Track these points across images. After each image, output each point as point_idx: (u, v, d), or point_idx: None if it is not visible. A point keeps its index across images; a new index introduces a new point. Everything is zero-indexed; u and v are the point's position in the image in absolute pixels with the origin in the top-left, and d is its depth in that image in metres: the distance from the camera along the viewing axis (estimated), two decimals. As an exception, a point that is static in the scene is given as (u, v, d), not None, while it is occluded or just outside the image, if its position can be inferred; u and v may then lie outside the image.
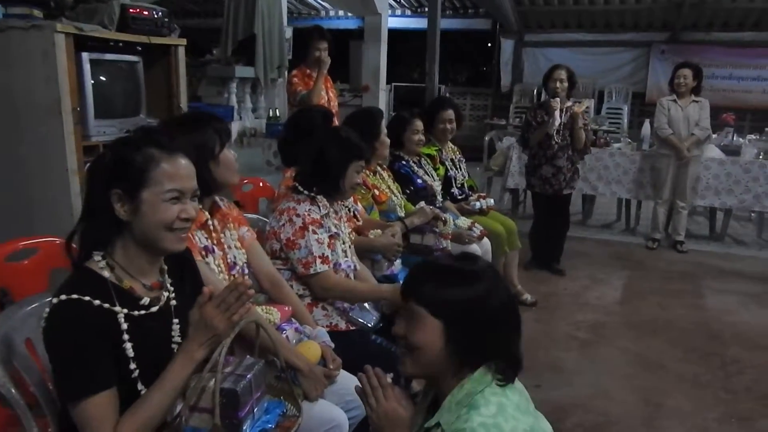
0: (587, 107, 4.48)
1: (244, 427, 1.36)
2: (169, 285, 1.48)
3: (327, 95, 4.68)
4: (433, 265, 1.38)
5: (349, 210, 2.66)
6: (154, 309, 1.41)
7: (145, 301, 1.39)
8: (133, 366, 1.34)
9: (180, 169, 1.39)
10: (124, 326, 1.33)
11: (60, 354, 1.28)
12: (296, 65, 4.65)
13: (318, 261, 2.21)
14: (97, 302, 1.30)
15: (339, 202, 2.48)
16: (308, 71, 4.54)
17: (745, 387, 3.16)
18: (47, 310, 1.30)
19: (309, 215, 2.24)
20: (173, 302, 1.47)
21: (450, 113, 3.96)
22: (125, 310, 1.34)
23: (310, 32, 4.59)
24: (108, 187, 1.34)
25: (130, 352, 1.33)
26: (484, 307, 1.25)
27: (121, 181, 1.34)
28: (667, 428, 2.78)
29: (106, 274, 1.36)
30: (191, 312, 1.39)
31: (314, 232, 2.22)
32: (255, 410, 1.41)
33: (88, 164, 1.48)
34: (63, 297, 1.28)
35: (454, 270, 1.30)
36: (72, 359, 1.27)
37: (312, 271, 2.21)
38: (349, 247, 2.43)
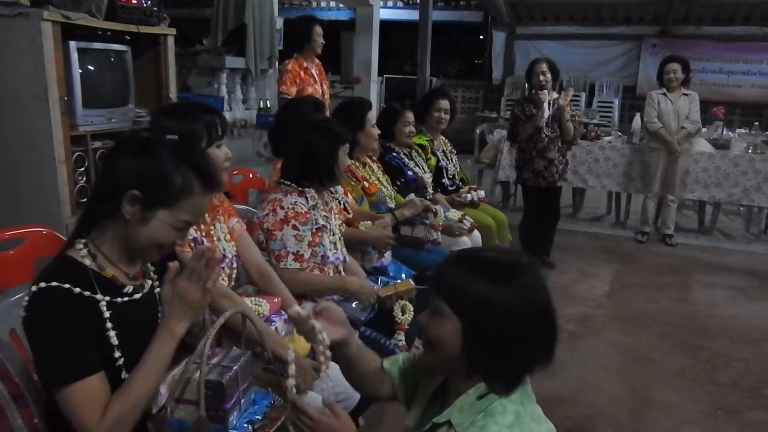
0: (571, 97, 4.46)
1: (230, 419, 1.35)
2: (152, 273, 1.46)
3: (321, 88, 4.69)
4: (465, 256, 1.22)
5: (339, 202, 2.65)
6: (138, 296, 1.39)
7: (128, 289, 1.38)
8: (117, 354, 1.32)
9: (205, 207, 1.38)
10: (107, 314, 1.31)
11: (42, 341, 1.26)
12: (290, 55, 4.65)
13: (290, 257, 2.20)
14: (77, 290, 1.28)
15: (329, 194, 2.47)
16: (304, 63, 4.55)
17: (732, 380, 3.18)
18: (26, 298, 1.28)
19: (293, 209, 2.23)
20: (158, 289, 1.45)
21: (445, 103, 3.97)
22: (107, 298, 1.32)
23: (309, 21, 4.61)
24: (128, 182, 1.30)
25: (114, 340, 1.31)
26: (510, 314, 1.09)
27: (146, 188, 1.30)
28: (654, 421, 2.80)
29: (87, 262, 1.34)
30: (163, 290, 1.37)
31: (294, 228, 2.20)
32: (241, 402, 1.40)
33: (113, 143, 1.43)
34: (42, 285, 1.26)
35: (487, 264, 1.15)
36: (54, 346, 1.25)
37: (282, 265, 2.20)
38: (339, 239, 2.42)
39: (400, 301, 2.37)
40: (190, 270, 1.33)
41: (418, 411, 1.32)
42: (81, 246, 1.35)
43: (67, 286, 1.27)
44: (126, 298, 1.37)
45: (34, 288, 1.27)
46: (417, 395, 1.36)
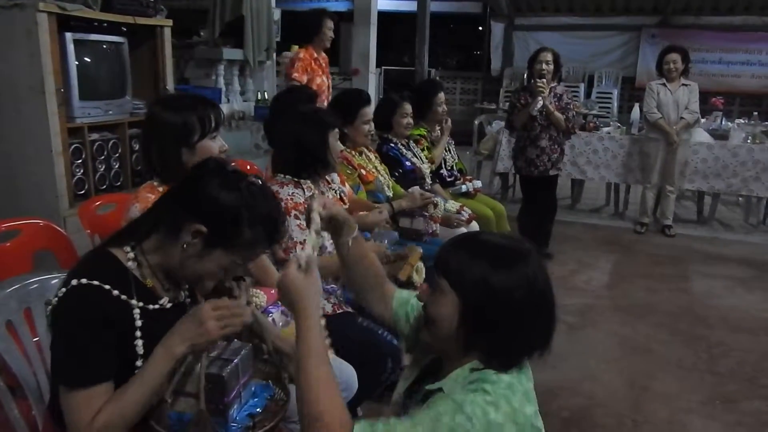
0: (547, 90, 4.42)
1: (231, 412, 1.35)
2: (185, 287, 1.45)
3: (327, 80, 4.77)
4: (469, 238, 1.26)
5: (336, 192, 2.64)
6: (169, 306, 1.37)
7: (164, 301, 1.36)
8: (139, 363, 1.29)
9: (260, 254, 1.36)
10: (138, 323, 1.29)
11: (66, 339, 1.24)
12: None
13: (298, 247, 2.19)
14: (116, 292, 1.26)
15: (325, 184, 2.47)
16: (315, 54, 4.63)
17: (730, 369, 3.19)
18: (63, 289, 1.24)
19: (292, 200, 2.22)
20: (188, 300, 1.44)
21: (443, 95, 4.04)
22: (141, 304, 1.30)
23: (319, 14, 4.76)
24: (199, 213, 1.27)
25: (140, 350, 1.29)
26: (508, 298, 1.13)
27: (215, 228, 1.28)
28: (652, 410, 2.81)
29: (131, 265, 1.32)
30: (193, 309, 1.32)
31: (296, 218, 2.20)
32: (242, 394, 1.40)
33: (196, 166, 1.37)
34: (84, 281, 1.24)
35: (490, 248, 1.19)
36: (77, 347, 1.22)
37: (291, 256, 2.19)
38: (335, 228, 2.41)
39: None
40: (219, 305, 1.29)
41: (406, 382, 1.34)
42: (129, 249, 1.33)
43: (107, 287, 1.25)
44: (158, 306, 1.35)
45: (74, 282, 1.24)
46: (411, 361, 1.38)
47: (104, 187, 3.30)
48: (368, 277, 1.48)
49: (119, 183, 3.40)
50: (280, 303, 1.99)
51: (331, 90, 4.96)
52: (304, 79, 4.53)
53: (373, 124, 3.21)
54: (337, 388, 1.13)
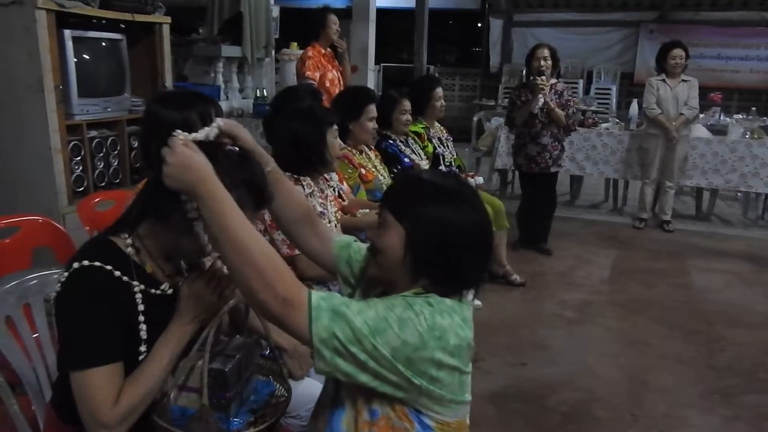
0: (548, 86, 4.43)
1: (233, 407, 1.36)
2: (184, 270, 1.45)
3: (337, 74, 4.80)
4: (414, 178, 1.37)
5: (334, 190, 2.64)
6: (170, 291, 1.37)
7: (165, 286, 1.36)
8: (143, 348, 1.29)
9: (253, 222, 1.35)
10: (141, 307, 1.29)
11: (73, 320, 1.24)
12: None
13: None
14: (117, 273, 1.27)
15: (324, 181, 2.47)
16: (323, 50, 4.69)
17: (728, 364, 3.20)
18: (65, 274, 1.25)
19: None
20: None
21: (440, 90, 4.04)
22: (142, 286, 1.30)
23: (323, 10, 4.82)
24: (177, 192, 1.24)
25: (144, 334, 1.29)
26: (448, 229, 1.23)
27: None
28: (650, 404, 2.82)
29: (130, 251, 1.32)
30: (181, 286, 1.35)
31: None
32: (243, 390, 1.41)
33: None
34: (85, 263, 1.24)
35: (431, 185, 1.29)
36: (86, 325, 1.22)
37: (296, 252, 2.19)
38: (335, 226, 2.42)
39: None
40: (210, 274, 1.32)
41: None
42: (126, 236, 1.33)
43: (109, 267, 1.26)
44: (159, 292, 1.35)
45: (76, 265, 1.25)
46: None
47: (103, 184, 3.30)
48: (290, 206, 1.48)
49: (118, 180, 3.40)
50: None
51: (343, 84, 4.98)
52: (317, 76, 4.59)
53: (376, 122, 3.20)
54: (268, 245, 1.16)
